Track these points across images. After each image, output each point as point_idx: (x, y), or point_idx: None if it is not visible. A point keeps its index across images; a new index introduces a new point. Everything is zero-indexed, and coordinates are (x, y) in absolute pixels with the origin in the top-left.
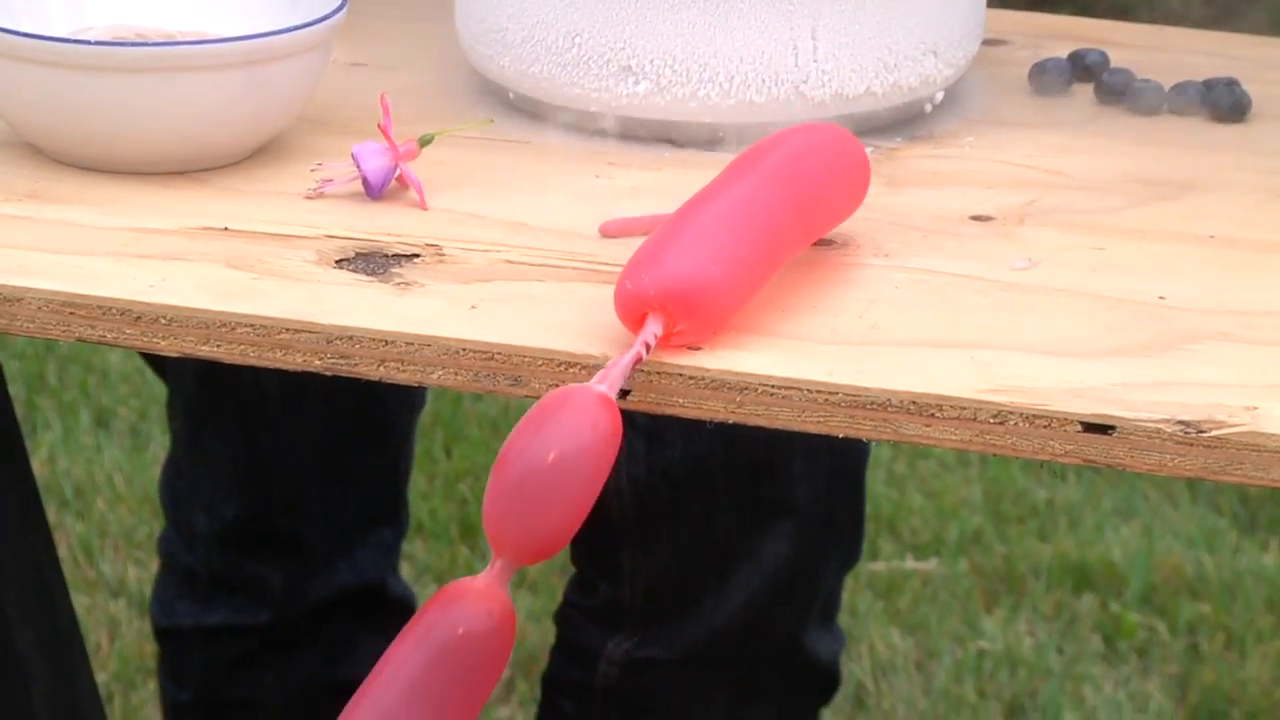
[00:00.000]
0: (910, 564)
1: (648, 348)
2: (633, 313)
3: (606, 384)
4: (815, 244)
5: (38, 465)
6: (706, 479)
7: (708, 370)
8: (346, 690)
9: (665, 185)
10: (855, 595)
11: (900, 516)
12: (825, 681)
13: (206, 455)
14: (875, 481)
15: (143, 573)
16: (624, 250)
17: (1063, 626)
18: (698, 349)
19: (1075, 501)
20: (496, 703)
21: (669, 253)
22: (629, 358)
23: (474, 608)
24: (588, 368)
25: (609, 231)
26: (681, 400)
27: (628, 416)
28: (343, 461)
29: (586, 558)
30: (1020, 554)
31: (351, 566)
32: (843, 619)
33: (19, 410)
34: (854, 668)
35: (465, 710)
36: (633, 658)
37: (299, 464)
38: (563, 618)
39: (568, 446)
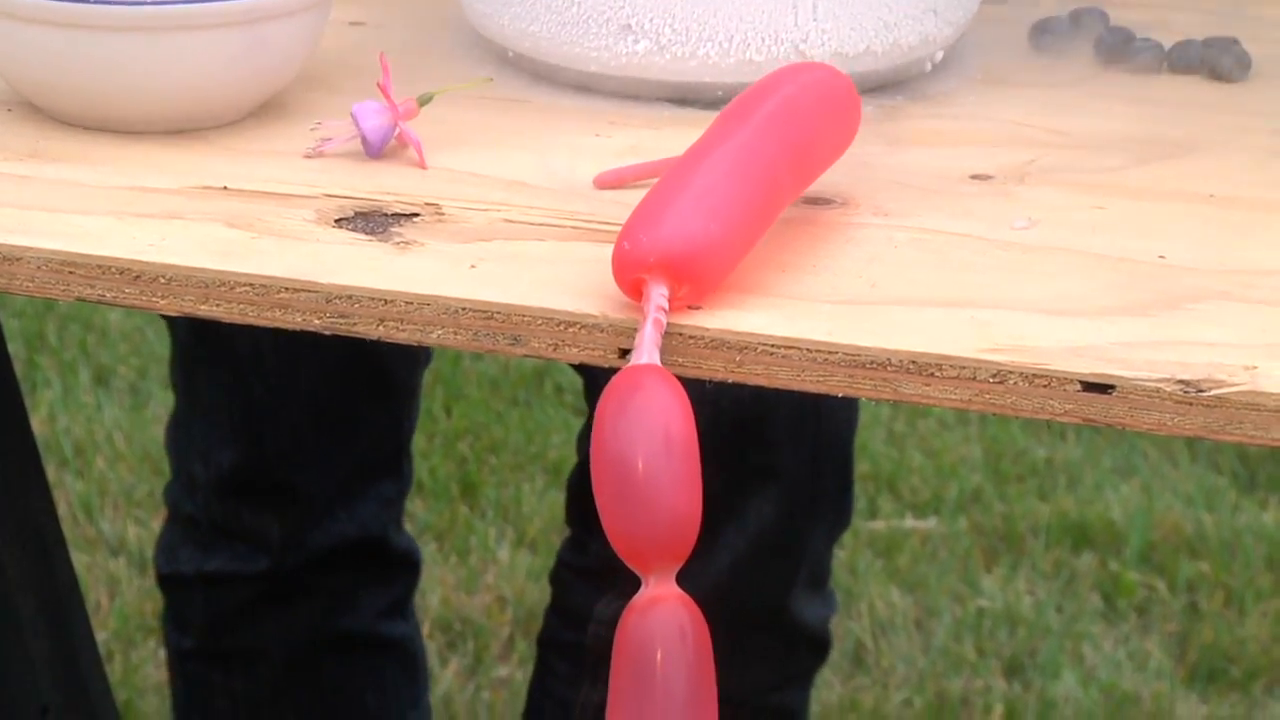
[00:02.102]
0: (910, 523)
1: (664, 311)
2: (630, 277)
3: (646, 357)
4: (815, 204)
5: (37, 424)
6: None
7: (707, 330)
8: (349, 641)
9: (665, 144)
10: (855, 554)
11: (900, 475)
12: (815, 646)
13: (202, 405)
14: (875, 440)
15: (142, 531)
16: (624, 209)
17: (1062, 585)
18: (697, 308)
19: (1075, 460)
20: (496, 661)
21: (665, 215)
22: (651, 326)
23: (656, 623)
24: (587, 327)
25: (603, 183)
26: (681, 359)
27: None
28: (339, 413)
29: (578, 517)
30: (1020, 512)
31: (351, 518)
32: (842, 578)
33: (18, 369)
34: (853, 626)
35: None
36: None
37: (293, 414)
38: (556, 578)
39: (648, 446)
